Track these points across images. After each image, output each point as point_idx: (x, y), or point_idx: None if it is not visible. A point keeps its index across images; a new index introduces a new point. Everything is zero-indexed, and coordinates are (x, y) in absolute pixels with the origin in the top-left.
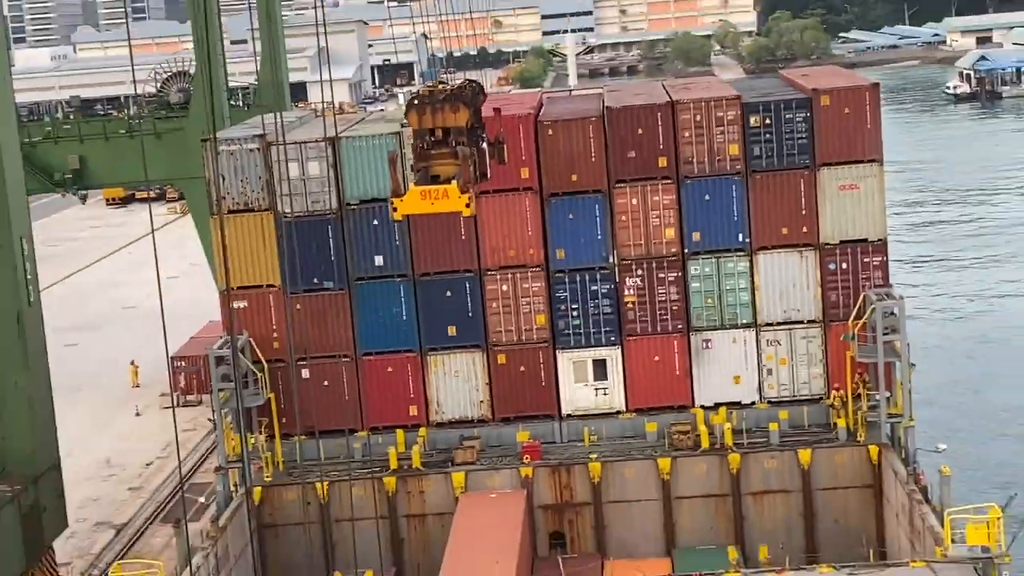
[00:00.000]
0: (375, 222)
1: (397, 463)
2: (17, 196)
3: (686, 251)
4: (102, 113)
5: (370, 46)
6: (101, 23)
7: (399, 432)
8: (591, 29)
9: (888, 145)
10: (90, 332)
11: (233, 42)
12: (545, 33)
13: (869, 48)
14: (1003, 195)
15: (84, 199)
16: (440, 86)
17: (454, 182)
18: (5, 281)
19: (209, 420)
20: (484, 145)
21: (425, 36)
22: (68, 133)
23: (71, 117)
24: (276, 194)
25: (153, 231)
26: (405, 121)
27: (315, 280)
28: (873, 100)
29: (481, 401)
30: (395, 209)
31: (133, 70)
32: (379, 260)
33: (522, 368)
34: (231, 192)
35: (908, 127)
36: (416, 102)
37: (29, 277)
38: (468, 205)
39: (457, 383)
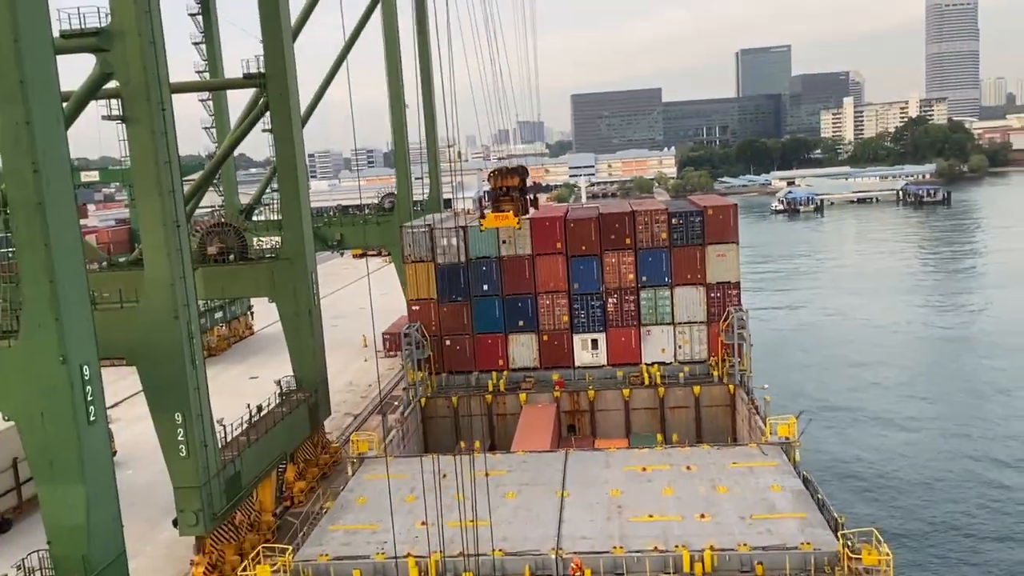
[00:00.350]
0: (484, 268)
1: (492, 388)
2: (311, 254)
3: (639, 285)
4: (352, 213)
5: (483, 181)
6: (353, 168)
7: (493, 373)
8: (593, 174)
9: (741, 234)
10: (342, 319)
11: (416, 178)
12: (571, 176)
13: (732, 186)
14: (799, 258)
15: (341, 254)
16: (505, 166)
17: (510, 213)
18: (303, 297)
19: (401, 365)
20: (528, 196)
21: None
22: (335, 222)
23: (336, 215)
24: (434, 252)
25: (368, 273)
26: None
27: (453, 296)
28: (734, 212)
29: (535, 358)
30: (481, 225)
31: (360, 193)
32: (485, 287)
33: (556, 342)
34: (412, 252)
35: (751, 226)
36: (494, 172)
37: (315, 292)
38: (519, 225)
39: (523, 349)
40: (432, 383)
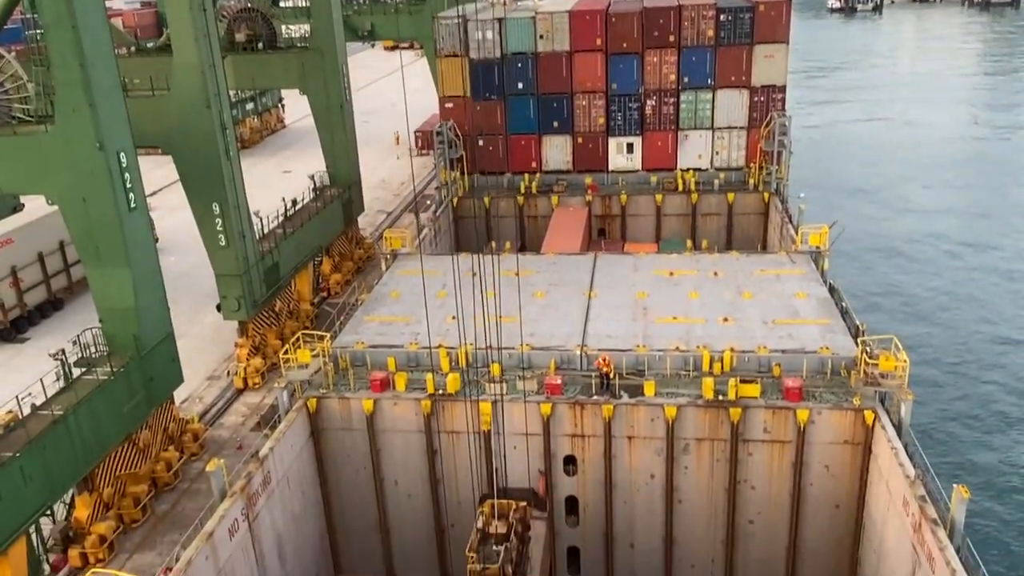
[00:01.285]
0: (519, 65)
1: (524, 190)
2: (341, 45)
3: (680, 86)
4: (383, 1)
5: None
6: None
7: (526, 175)
8: None
9: (792, 34)
10: (373, 116)
11: None
12: None
13: None
14: (851, 60)
15: (372, 46)
16: None
17: None
18: (334, 90)
19: (433, 164)
20: None
21: None
22: (365, 11)
23: (366, 3)
24: (468, 47)
25: (403, 66)
26: (535, 12)
27: (487, 94)
28: (787, 9)
29: (568, 160)
30: None
31: None
32: (520, 85)
33: (590, 145)
34: (445, 45)
35: (803, 26)
36: None
37: (346, 85)
38: None
39: (557, 152)
40: (464, 183)
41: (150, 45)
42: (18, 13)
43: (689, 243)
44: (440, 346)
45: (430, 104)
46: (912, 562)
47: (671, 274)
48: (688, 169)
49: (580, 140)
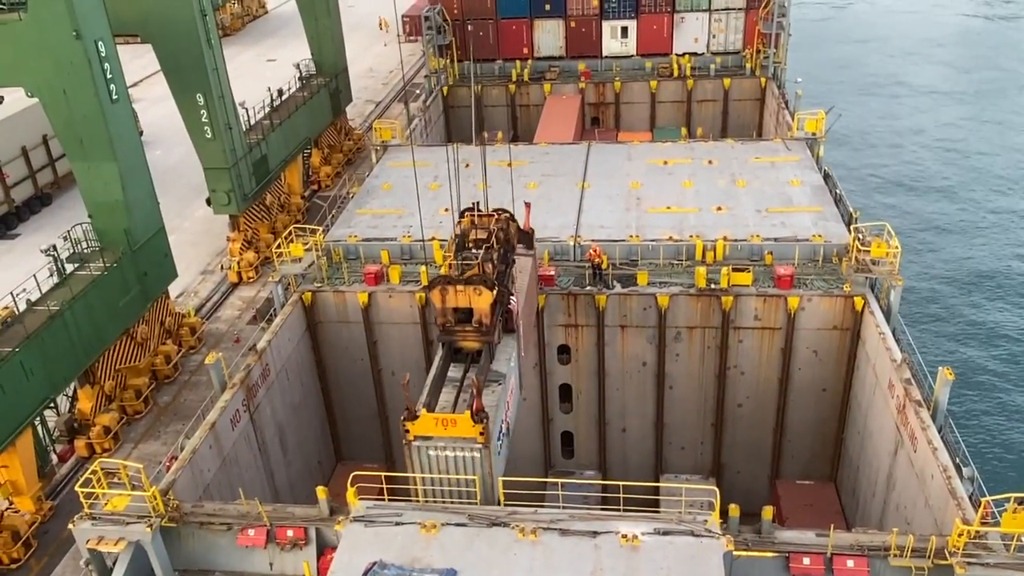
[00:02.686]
0: None
1: (516, 77)
2: None
3: None
4: None
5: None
6: None
7: (517, 62)
8: None
9: None
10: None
11: None
12: None
13: None
14: None
15: None
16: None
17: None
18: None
19: (422, 51)
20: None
21: None
22: None
23: None
24: None
25: None
26: None
27: None
28: None
29: (560, 46)
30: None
31: None
32: None
33: (583, 29)
34: None
35: None
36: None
37: None
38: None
39: (549, 37)
40: (454, 71)
41: None
42: None
43: (684, 131)
44: (433, 239)
45: None
46: (895, 442)
47: (665, 163)
48: (684, 54)
49: (573, 24)
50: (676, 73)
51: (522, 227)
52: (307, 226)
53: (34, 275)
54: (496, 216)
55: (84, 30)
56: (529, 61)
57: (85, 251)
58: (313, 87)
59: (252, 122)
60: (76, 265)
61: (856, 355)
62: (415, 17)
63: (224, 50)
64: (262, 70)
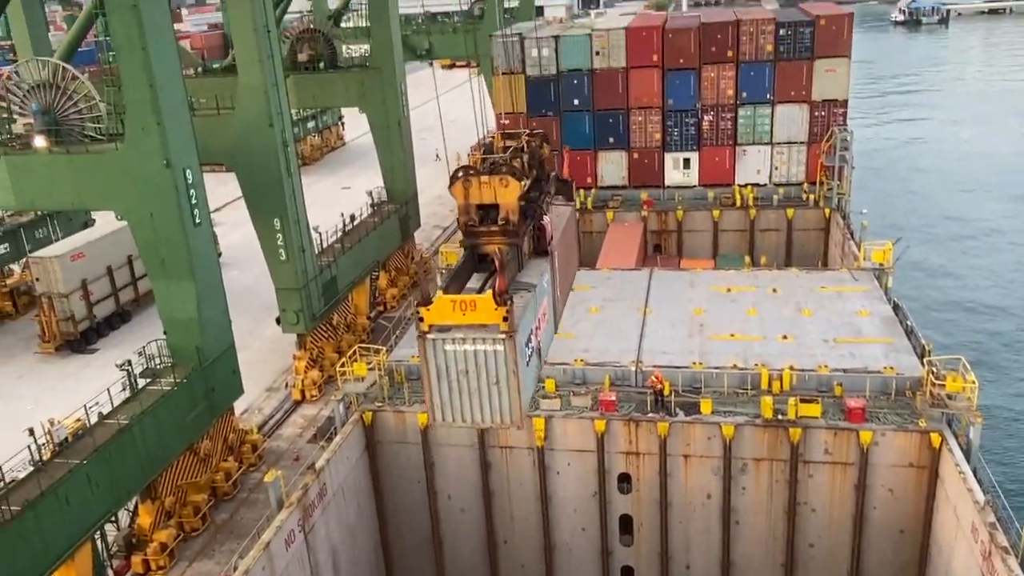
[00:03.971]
0: (575, 81)
1: (579, 205)
2: (400, 64)
3: (738, 101)
4: (441, 20)
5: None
6: None
7: (581, 191)
8: None
9: (854, 48)
10: (430, 132)
11: None
12: None
13: None
14: (916, 75)
15: (431, 64)
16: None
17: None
18: (392, 108)
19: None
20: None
21: None
22: (423, 30)
23: (424, 22)
24: (525, 64)
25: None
26: (591, 29)
27: (543, 110)
28: (849, 22)
29: (624, 176)
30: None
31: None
32: (576, 101)
33: (646, 160)
34: (502, 63)
35: (866, 38)
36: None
37: (404, 103)
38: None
39: (612, 167)
40: None
41: (216, 66)
42: (92, 36)
43: (747, 259)
44: None
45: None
46: None
47: (728, 290)
48: (747, 184)
49: (636, 155)
50: (739, 203)
51: (560, 175)
52: (371, 346)
53: (108, 389)
54: (528, 134)
55: (174, 159)
56: (593, 190)
57: (158, 366)
58: (384, 213)
59: (324, 245)
60: (148, 380)
61: (935, 495)
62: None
63: (302, 178)
64: (337, 197)
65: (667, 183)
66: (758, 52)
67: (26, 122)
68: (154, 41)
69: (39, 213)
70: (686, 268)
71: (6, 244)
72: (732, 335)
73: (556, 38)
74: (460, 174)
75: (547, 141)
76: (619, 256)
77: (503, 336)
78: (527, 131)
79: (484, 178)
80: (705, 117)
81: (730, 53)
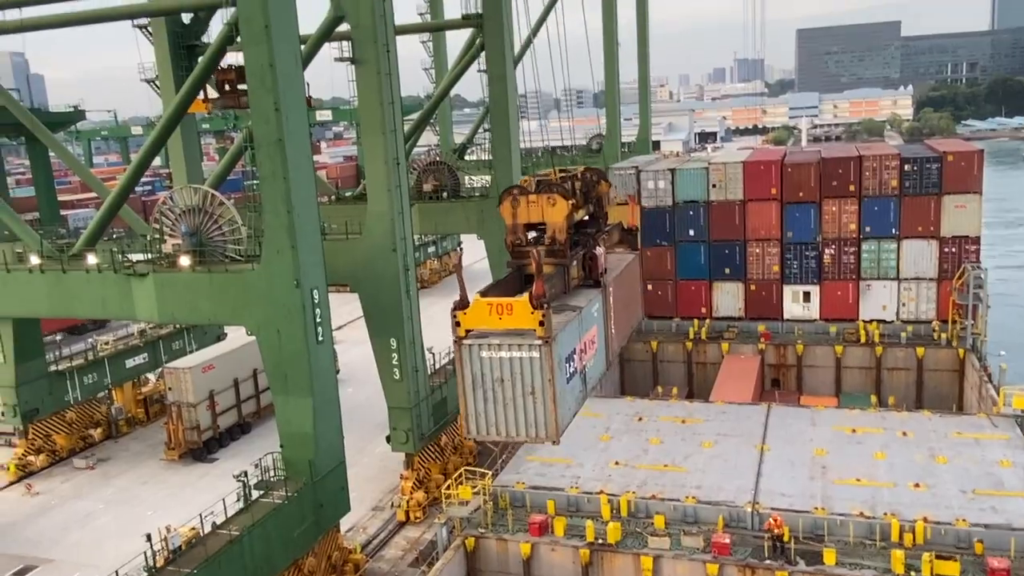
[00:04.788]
0: (690, 213)
1: (693, 335)
2: None
3: (861, 235)
4: (560, 154)
5: (695, 122)
6: (562, 109)
7: (695, 321)
8: (816, 115)
9: (985, 184)
10: None
11: (625, 119)
12: (791, 117)
13: (978, 129)
14: None
15: None
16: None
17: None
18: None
19: None
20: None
21: (724, 118)
22: (543, 162)
23: (544, 155)
24: (640, 195)
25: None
26: (707, 162)
27: (658, 240)
28: (979, 158)
29: (740, 308)
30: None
31: (568, 133)
32: (691, 232)
33: (763, 292)
34: (618, 194)
35: (998, 175)
36: (512, 192)
37: None
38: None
39: (728, 298)
40: None
41: (348, 194)
42: (239, 167)
43: (873, 399)
44: (601, 492)
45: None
46: None
47: (853, 431)
48: (871, 320)
49: (753, 287)
50: (863, 339)
51: (627, 224)
52: (477, 469)
53: (223, 499)
54: (585, 168)
55: (304, 280)
56: (707, 320)
57: (272, 479)
58: None
59: (436, 366)
60: (261, 492)
61: None
62: None
63: (420, 299)
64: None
65: (786, 316)
66: (882, 187)
67: (175, 242)
68: (295, 172)
69: (177, 326)
70: (806, 405)
71: (145, 354)
72: (858, 480)
73: (672, 170)
74: (510, 193)
75: (604, 178)
76: (735, 390)
77: (539, 343)
78: (584, 166)
79: (532, 197)
80: (826, 250)
81: (852, 187)
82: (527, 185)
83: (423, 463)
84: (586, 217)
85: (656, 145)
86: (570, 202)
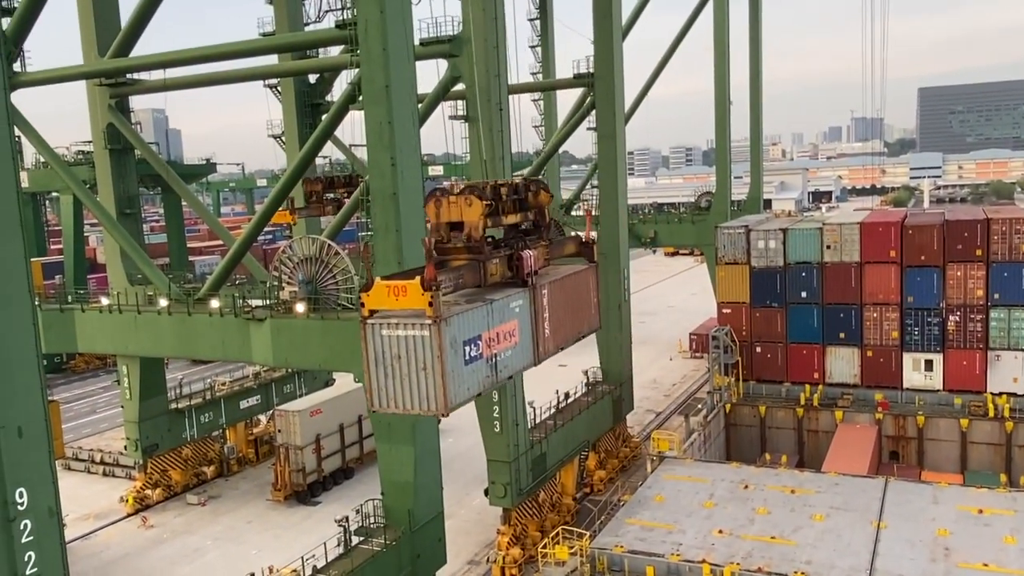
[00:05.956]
0: (803, 274)
1: (805, 401)
2: (625, 250)
3: (989, 303)
4: (667, 211)
5: (809, 181)
6: (671, 166)
7: (807, 386)
8: (939, 176)
9: None
10: (650, 316)
11: (736, 177)
12: (912, 177)
13: None
14: None
15: (654, 251)
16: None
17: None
18: (614, 291)
19: (706, 368)
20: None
21: (839, 177)
22: (650, 219)
23: (651, 212)
24: (750, 255)
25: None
26: (822, 223)
27: (768, 302)
28: None
29: (855, 374)
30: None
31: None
32: (804, 294)
33: (881, 359)
34: (727, 253)
35: None
36: (434, 194)
37: (626, 287)
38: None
39: (842, 364)
40: (739, 389)
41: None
42: (355, 219)
43: (1003, 478)
44: (704, 561)
45: (706, 307)
46: None
47: (980, 512)
48: (1001, 393)
49: (869, 353)
50: (991, 413)
51: (583, 237)
52: (575, 529)
53: (324, 543)
54: (524, 179)
55: None
56: (820, 386)
57: (371, 525)
58: (597, 393)
59: (537, 421)
60: (361, 539)
61: None
62: (702, 335)
63: None
64: (553, 373)
65: (905, 385)
66: (1012, 252)
67: (292, 290)
68: (407, 225)
69: (289, 370)
70: (928, 481)
71: (259, 396)
72: (985, 565)
73: (784, 230)
74: (434, 195)
75: (545, 189)
76: (849, 461)
77: (429, 322)
78: (521, 177)
79: (453, 198)
80: (950, 317)
81: (979, 251)
82: (452, 189)
83: (520, 519)
84: (524, 224)
85: (767, 204)
86: (485, 203)
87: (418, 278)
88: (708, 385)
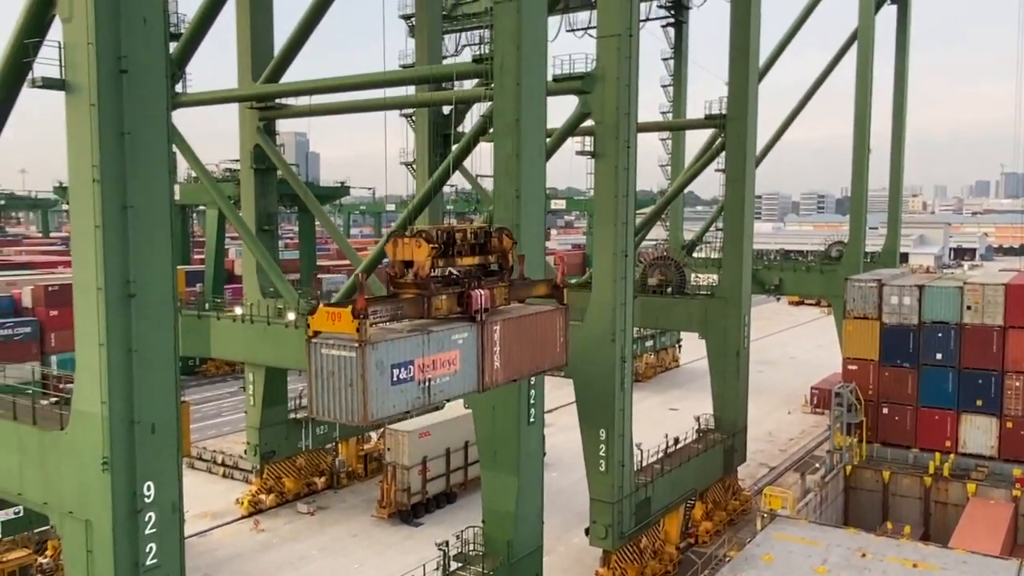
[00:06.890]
0: (939, 334)
1: (934, 470)
2: (747, 296)
3: None
4: (794, 258)
5: (951, 236)
6: (801, 212)
7: (937, 454)
8: None
9: None
10: (769, 366)
11: (871, 228)
12: None
13: None
14: None
15: (778, 299)
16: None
17: (346, 312)
18: (733, 337)
19: (827, 425)
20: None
21: (985, 234)
22: (775, 266)
23: (777, 259)
24: (881, 311)
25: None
26: (963, 282)
27: (898, 361)
28: None
29: (992, 446)
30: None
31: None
32: (939, 355)
33: (1022, 432)
34: (856, 307)
35: None
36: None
37: (746, 334)
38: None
39: (978, 433)
40: (861, 451)
41: (573, 280)
42: None
43: None
44: None
45: (829, 361)
46: None
47: None
48: None
49: (1010, 425)
50: None
51: (556, 281)
52: None
53: (423, 565)
54: (487, 226)
55: None
56: (951, 455)
57: (471, 553)
58: (709, 441)
59: (643, 463)
60: (459, 565)
61: None
62: (825, 390)
63: (634, 393)
64: (663, 416)
65: None
66: None
67: None
68: (528, 255)
69: None
70: None
71: None
72: None
73: (920, 287)
74: (392, 235)
75: (509, 235)
76: (980, 538)
77: (355, 344)
78: (479, 225)
79: (405, 240)
80: None
81: None
82: (408, 232)
83: (620, 563)
84: (492, 266)
85: (904, 258)
86: (432, 246)
87: (351, 307)
88: (828, 444)
